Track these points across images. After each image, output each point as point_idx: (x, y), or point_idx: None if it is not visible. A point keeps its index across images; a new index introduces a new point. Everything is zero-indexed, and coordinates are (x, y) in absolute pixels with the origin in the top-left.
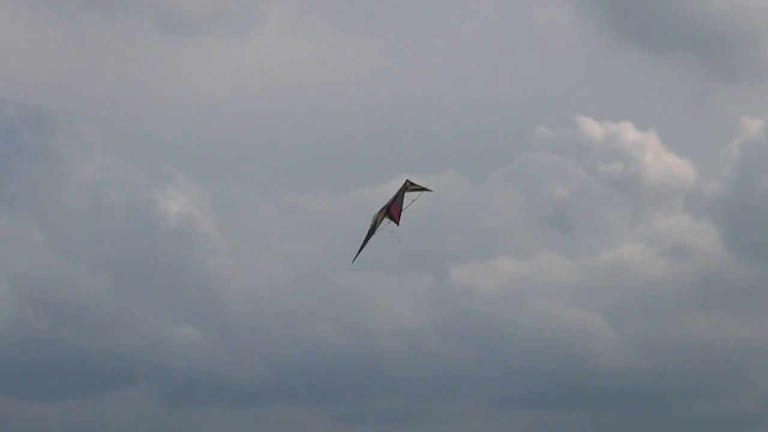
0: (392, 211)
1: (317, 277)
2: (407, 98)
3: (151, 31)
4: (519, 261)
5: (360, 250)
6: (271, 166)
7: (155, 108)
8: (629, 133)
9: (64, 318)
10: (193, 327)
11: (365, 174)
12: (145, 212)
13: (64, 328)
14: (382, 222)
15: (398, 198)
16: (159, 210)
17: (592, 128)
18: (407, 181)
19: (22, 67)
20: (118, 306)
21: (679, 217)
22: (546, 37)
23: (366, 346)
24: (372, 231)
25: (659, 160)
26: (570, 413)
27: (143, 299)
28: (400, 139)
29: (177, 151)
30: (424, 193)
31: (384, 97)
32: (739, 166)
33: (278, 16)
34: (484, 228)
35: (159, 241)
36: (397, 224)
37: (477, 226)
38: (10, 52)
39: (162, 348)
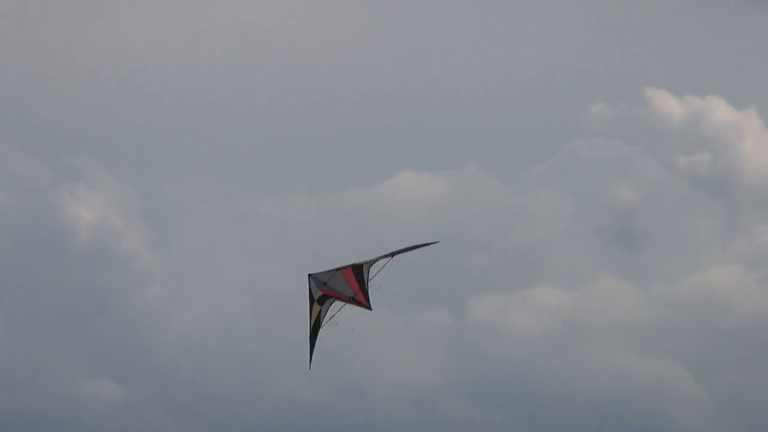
0: (360, 300)
1: (287, 312)
2: (412, 71)
3: None
4: (566, 291)
5: (312, 352)
6: (226, 161)
7: (61, 80)
8: (720, 111)
9: None
10: (115, 381)
11: (354, 170)
12: (47, 222)
13: None
14: (326, 316)
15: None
16: (66, 219)
17: (668, 105)
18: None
19: None
20: (12, 354)
21: None
22: None
23: (355, 409)
24: (316, 328)
25: (762, 150)
26: None
27: (45, 344)
28: (402, 125)
29: (92, 138)
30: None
31: (382, 70)
32: None
33: None
34: (518, 245)
35: (66, 262)
36: (369, 308)
37: (508, 243)
38: None
39: (72, 411)
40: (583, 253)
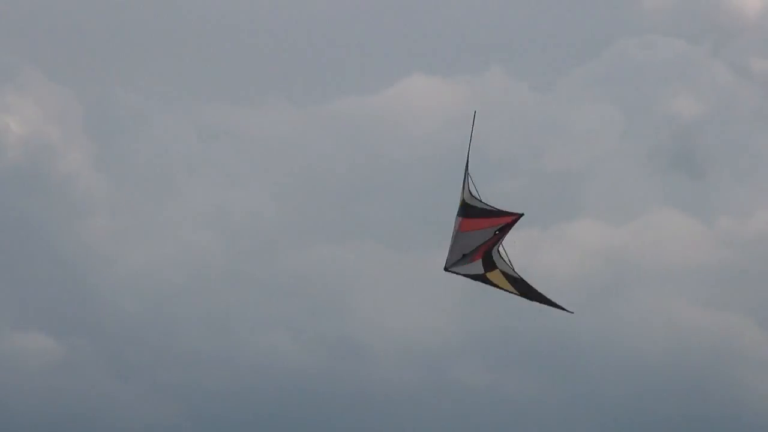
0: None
1: (267, 250)
2: None
3: None
4: (611, 226)
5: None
6: (191, 59)
7: None
8: None
9: None
10: (49, 335)
11: (349, 74)
12: None
13: None
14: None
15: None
16: None
17: None
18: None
19: None
20: None
21: None
22: None
23: (350, 370)
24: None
25: None
26: None
27: None
28: (409, 18)
29: (24, 30)
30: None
31: None
32: None
33: None
34: (552, 169)
35: None
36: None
37: (539, 166)
38: None
39: None
40: (632, 180)
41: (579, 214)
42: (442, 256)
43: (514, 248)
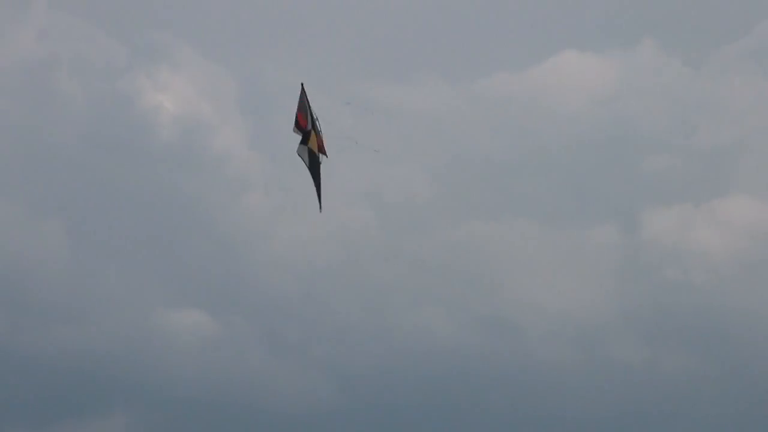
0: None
1: (421, 227)
2: None
3: None
4: (765, 203)
5: (320, 195)
6: (341, 36)
7: None
8: None
9: None
10: (206, 312)
11: (501, 51)
12: (120, 113)
13: None
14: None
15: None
16: (144, 110)
17: None
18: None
19: None
20: (79, 279)
21: None
22: None
23: (503, 348)
24: (316, 166)
25: None
26: None
27: (119, 267)
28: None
29: (176, 7)
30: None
31: None
32: None
33: None
34: (705, 145)
35: (144, 164)
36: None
37: (692, 142)
38: None
39: (152, 348)
40: None
41: (732, 190)
42: (596, 234)
43: (668, 224)
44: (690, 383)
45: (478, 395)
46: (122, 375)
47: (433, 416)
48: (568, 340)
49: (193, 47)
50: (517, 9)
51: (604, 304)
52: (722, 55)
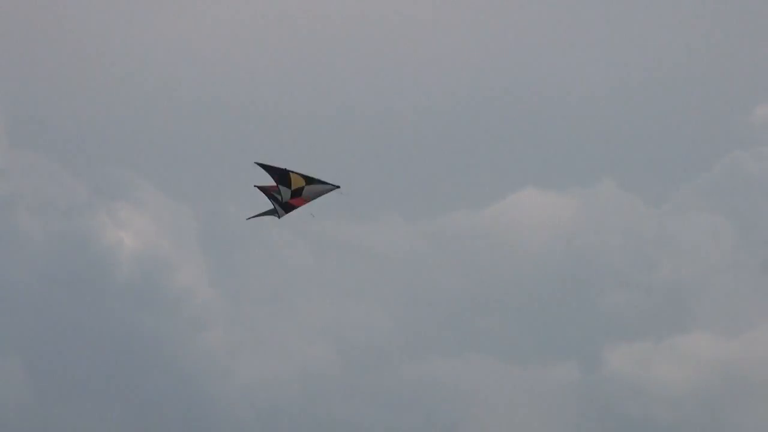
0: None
1: (382, 363)
2: (534, 68)
3: None
4: (725, 338)
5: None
6: (312, 173)
7: (95, 78)
8: None
9: None
10: None
11: (462, 188)
12: (80, 250)
13: None
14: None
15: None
16: (104, 246)
17: None
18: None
19: None
20: (40, 415)
21: None
22: None
23: None
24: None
25: None
26: None
27: (80, 402)
28: (522, 133)
29: (137, 146)
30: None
31: (499, 67)
32: None
33: None
34: (665, 281)
35: (104, 301)
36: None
37: (652, 278)
38: None
39: None
40: (745, 292)
41: (691, 326)
42: (557, 371)
43: (628, 360)
44: None
45: None
46: None
47: None
48: None
49: (154, 184)
50: (478, 147)
51: None
52: (681, 192)
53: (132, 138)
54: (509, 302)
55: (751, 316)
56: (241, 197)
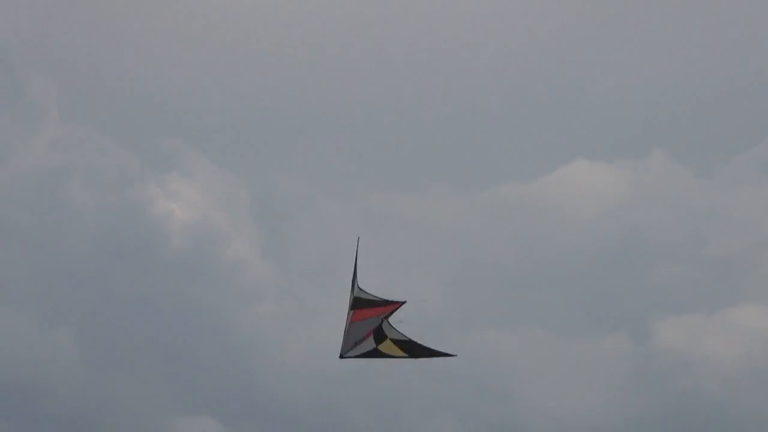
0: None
1: (433, 333)
2: (588, 37)
3: None
4: None
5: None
6: (356, 147)
7: (149, 42)
8: None
9: None
10: (217, 419)
11: (512, 160)
12: (132, 222)
13: None
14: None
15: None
16: (155, 218)
17: None
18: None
19: None
20: (91, 388)
21: None
22: None
23: None
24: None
25: None
26: None
27: (131, 375)
28: (572, 104)
29: (188, 116)
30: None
31: (548, 35)
32: None
33: None
34: (716, 254)
35: (155, 274)
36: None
37: (702, 251)
38: None
39: None
40: None
41: (743, 299)
42: (607, 343)
43: (679, 333)
44: None
45: None
46: None
47: None
48: None
49: (205, 155)
50: (528, 120)
51: (615, 412)
52: (733, 165)
53: (183, 109)
54: (559, 274)
55: None
56: (293, 168)
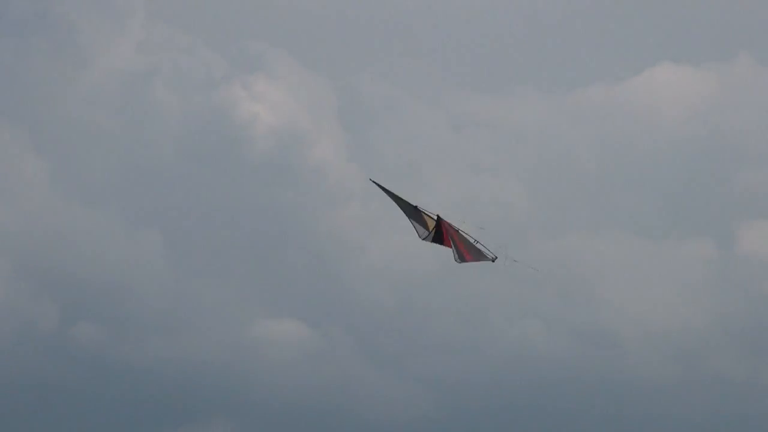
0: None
1: (518, 238)
2: None
3: None
4: None
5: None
6: (440, 47)
7: None
8: None
9: (81, 308)
10: (304, 322)
11: (598, 62)
12: (218, 125)
13: (82, 323)
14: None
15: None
16: (240, 120)
17: None
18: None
19: None
20: (176, 290)
21: None
22: None
23: (602, 360)
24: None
25: None
26: None
27: (216, 277)
28: (656, 6)
29: (273, 16)
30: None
31: None
32: None
33: None
34: None
35: (240, 175)
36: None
37: None
38: None
39: (249, 358)
40: None
41: None
42: (693, 247)
43: (764, 237)
44: None
45: (577, 406)
46: (221, 384)
47: (532, 427)
48: (666, 353)
49: (292, 57)
50: (613, 22)
51: (701, 317)
52: None
53: (268, 10)
54: (644, 178)
55: None
56: (380, 69)
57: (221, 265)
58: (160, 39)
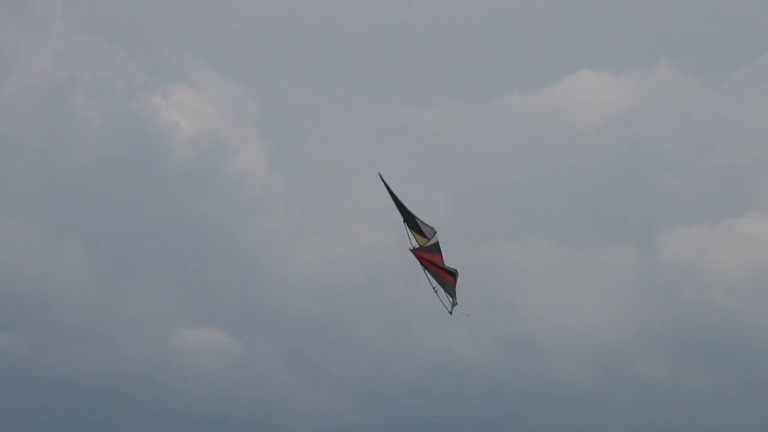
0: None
1: (442, 244)
2: None
3: None
4: None
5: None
6: (361, 57)
7: None
8: None
9: (1, 319)
10: (225, 331)
11: (518, 70)
12: (137, 133)
13: (3, 333)
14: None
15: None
16: (160, 129)
17: None
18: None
19: None
20: (98, 300)
21: None
22: None
23: (525, 367)
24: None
25: None
26: None
27: (138, 287)
28: (578, 14)
29: (193, 25)
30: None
31: None
32: None
33: None
34: (721, 165)
35: (161, 185)
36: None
37: (708, 161)
38: None
39: (172, 367)
40: None
41: (747, 209)
42: (615, 254)
43: (685, 243)
44: (712, 400)
45: (500, 413)
46: (144, 395)
47: None
48: (588, 358)
49: (211, 65)
50: (534, 30)
51: (623, 323)
52: (740, 75)
53: (188, 18)
54: (565, 185)
55: None
56: (300, 79)
57: (143, 274)
58: (78, 49)
